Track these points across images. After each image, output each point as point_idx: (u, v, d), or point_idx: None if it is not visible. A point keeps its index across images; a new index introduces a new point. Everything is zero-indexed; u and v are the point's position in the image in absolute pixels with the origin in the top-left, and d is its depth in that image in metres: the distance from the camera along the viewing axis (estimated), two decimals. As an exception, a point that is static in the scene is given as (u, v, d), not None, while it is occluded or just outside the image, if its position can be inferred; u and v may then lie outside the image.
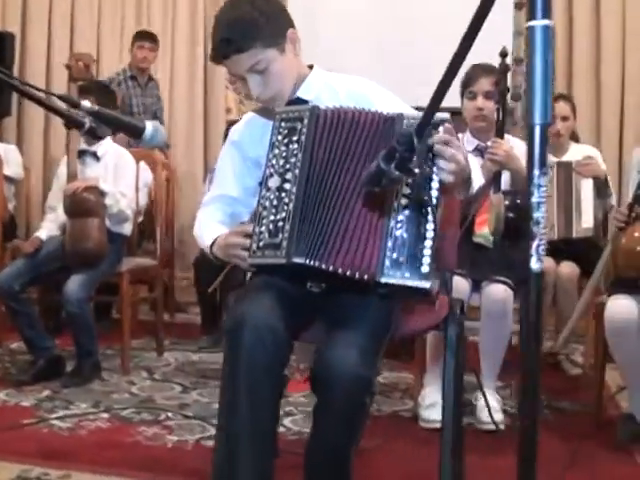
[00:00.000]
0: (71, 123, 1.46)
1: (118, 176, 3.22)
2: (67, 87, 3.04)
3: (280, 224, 1.63)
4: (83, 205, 2.97)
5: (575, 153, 3.57)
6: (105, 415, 2.68)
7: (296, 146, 1.67)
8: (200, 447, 2.41)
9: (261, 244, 1.64)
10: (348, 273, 1.56)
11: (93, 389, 3.02)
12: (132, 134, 1.52)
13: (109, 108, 3.22)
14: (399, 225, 1.55)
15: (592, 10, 5.06)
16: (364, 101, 1.81)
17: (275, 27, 1.76)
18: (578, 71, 5.04)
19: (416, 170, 1.23)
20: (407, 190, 1.55)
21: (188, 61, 5.71)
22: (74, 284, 2.95)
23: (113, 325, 3.94)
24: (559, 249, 3.35)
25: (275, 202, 1.65)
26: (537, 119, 0.84)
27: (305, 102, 1.85)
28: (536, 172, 0.85)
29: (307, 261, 1.59)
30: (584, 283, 3.47)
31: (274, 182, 1.67)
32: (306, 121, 1.68)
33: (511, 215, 2.59)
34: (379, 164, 1.26)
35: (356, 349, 1.51)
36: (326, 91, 1.86)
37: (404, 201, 1.55)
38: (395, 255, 1.53)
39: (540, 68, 0.86)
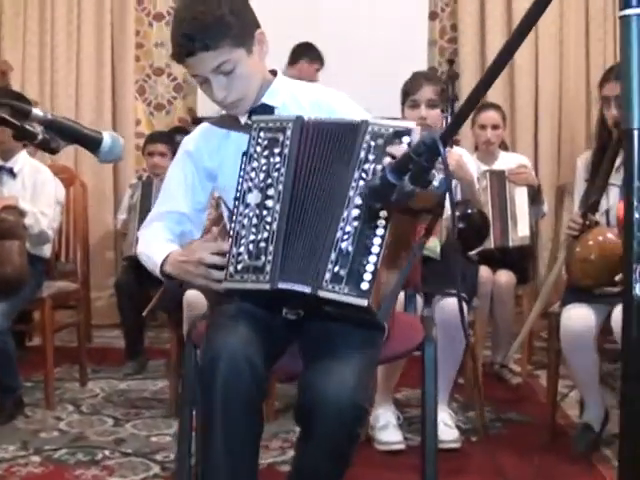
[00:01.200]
0: (21, 135, 1.26)
1: (36, 194, 2.96)
2: (-20, 97, 2.79)
3: (262, 245, 1.48)
4: (1, 226, 2.71)
5: (505, 161, 3.58)
6: (36, 458, 2.44)
7: (278, 159, 1.53)
8: (147, 487, 2.22)
9: (239, 267, 1.49)
10: (289, 287, 1.44)
11: (18, 427, 2.76)
12: (89, 146, 1.34)
13: (26, 118, 2.99)
14: (345, 237, 1.43)
15: (532, 32, 5.11)
16: (327, 109, 1.71)
17: (244, 26, 1.63)
18: (519, 79, 5.09)
19: (435, 183, 1.11)
20: (360, 200, 1.44)
21: (96, 72, 5.45)
22: (-8, 315, 2.68)
23: (28, 355, 3.65)
24: (495, 258, 3.34)
25: (255, 220, 1.51)
26: (636, 122, 0.74)
27: (271, 109, 1.73)
28: (637, 184, 0.74)
29: (293, 286, 1.45)
30: (520, 291, 3.49)
31: (254, 198, 1.52)
32: (289, 132, 1.54)
33: (462, 225, 2.53)
34: (386, 177, 1.14)
35: (351, 378, 1.39)
36: (291, 100, 1.74)
37: (355, 212, 1.44)
38: (337, 268, 1.41)
39: (637, 64, 0.75)
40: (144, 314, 3.06)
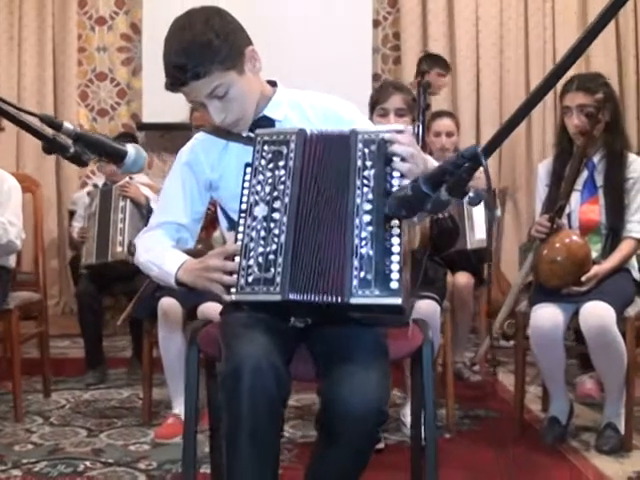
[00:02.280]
0: (54, 147, 1.27)
1: (2, 203, 2.90)
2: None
3: (271, 257, 1.51)
4: (-31, 237, 2.65)
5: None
6: (17, 472, 2.39)
7: (283, 172, 1.56)
8: (138, 496, 2.21)
9: (250, 279, 1.51)
10: (317, 299, 1.48)
11: (-10, 442, 2.70)
12: (114, 159, 1.35)
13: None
14: (364, 242, 1.48)
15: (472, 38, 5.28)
16: (334, 118, 1.75)
17: (232, 47, 1.63)
18: (461, 88, 5.26)
19: (470, 194, 1.18)
20: (368, 206, 1.50)
21: (37, 76, 5.34)
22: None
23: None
24: (454, 260, 3.44)
25: (263, 233, 1.53)
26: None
27: (272, 121, 1.76)
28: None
29: (304, 297, 1.49)
30: (477, 292, 3.61)
31: (261, 211, 1.55)
32: (293, 145, 1.57)
33: (435, 231, 2.62)
34: (419, 188, 1.20)
35: (374, 385, 1.44)
36: (293, 110, 1.78)
37: (367, 217, 1.50)
38: (363, 274, 1.46)
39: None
40: (118, 323, 3.04)
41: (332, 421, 1.45)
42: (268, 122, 1.75)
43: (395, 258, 1.43)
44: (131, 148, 1.35)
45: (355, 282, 1.44)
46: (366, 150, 1.51)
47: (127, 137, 4.29)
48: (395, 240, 1.44)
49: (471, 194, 1.22)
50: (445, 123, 3.70)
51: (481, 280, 3.61)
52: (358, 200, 1.51)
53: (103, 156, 1.34)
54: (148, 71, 5.38)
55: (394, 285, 1.42)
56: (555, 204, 2.67)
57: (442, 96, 5.22)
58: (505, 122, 1.12)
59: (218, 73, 1.61)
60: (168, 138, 5.41)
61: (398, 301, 1.42)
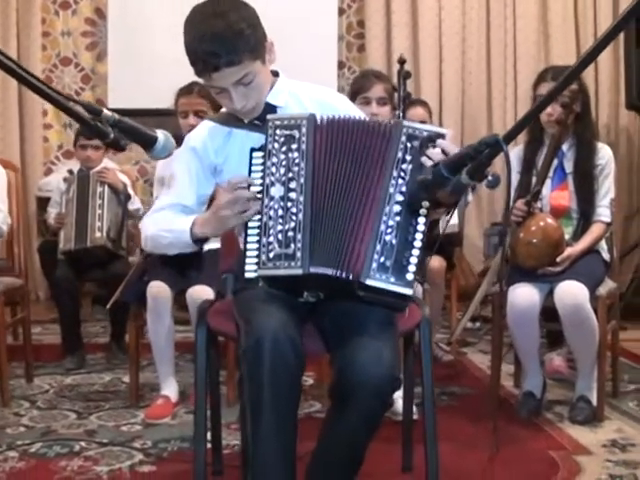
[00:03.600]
0: (95, 133, 1.33)
1: (-14, 189, 2.91)
2: None
3: (290, 234, 1.60)
4: (-42, 223, 2.66)
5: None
6: (13, 454, 2.42)
7: (297, 154, 1.65)
8: (138, 473, 2.27)
9: (271, 255, 1.60)
10: (331, 273, 1.57)
11: (-21, 426, 2.73)
12: (145, 144, 1.42)
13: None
14: (389, 230, 1.58)
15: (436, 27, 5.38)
16: (329, 109, 1.83)
17: (259, 38, 1.74)
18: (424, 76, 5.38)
19: (490, 177, 1.28)
20: (400, 197, 1.59)
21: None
22: (-48, 312, 2.63)
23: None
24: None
25: (281, 212, 1.62)
26: None
27: (274, 107, 1.84)
28: None
29: (324, 270, 1.58)
30: (448, 275, 3.74)
31: (277, 191, 1.64)
32: (304, 129, 1.66)
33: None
34: (440, 172, 1.29)
35: (386, 352, 1.55)
36: (293, 99, 1.87)
37: (397, 207, 1.59)
38: (382, 259, 1.56)
39: None
40: (108, 306, 3.07)
41: (348, 388, 1.54)
42: (270, 108, 1.84)
43: (415, 252, 1.54)
44: (161, 134, 1.42)
45: (374, 265, 1.54)
46: (408, 144, 1.59)
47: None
48: (418, 235, 1.54)
49: (490, 177, 1.32)
50: (418, 112, 3.79)
51: (452, 264, 3.74)
52: (391, 189, 1.60)
53: (135, 141, 1.40)
54: (113, 56, 5.39)
55: (409, 277, 1.53)
56: (527, 190, 2.80)
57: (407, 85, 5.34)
58: (524, 115, 1.23)
59: (248, 62, 1.70)
60: (134, 124, 5.40)
61: (409, 292, 1.54)
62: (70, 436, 2.60)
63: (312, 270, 1.58)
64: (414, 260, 1.54)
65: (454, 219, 3.58)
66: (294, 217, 1.61)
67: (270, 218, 1.62)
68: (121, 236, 3.65)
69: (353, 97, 2.96)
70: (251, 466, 1.59)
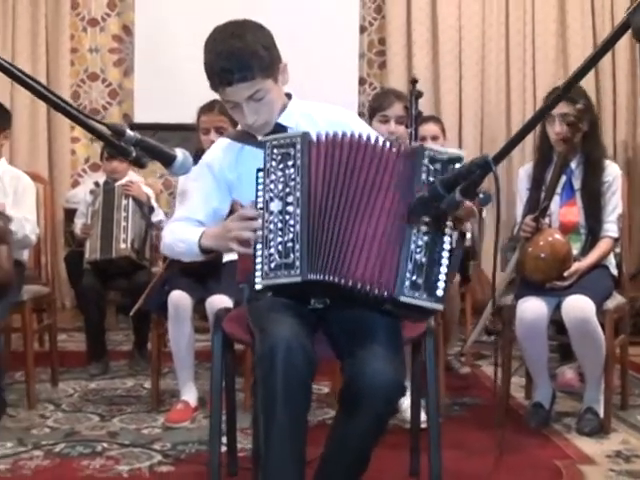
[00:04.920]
0: (119, 152, 1.45)
1: (17, 200, 3.05)
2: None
3: (289, 245, 1.70)
4: (-9, 232, 2.80)
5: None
6: (38, 453, 2.54)
7: (292, 170, 1.75)
8: (157, 474, 2.38)
9: (272, 265, 1.70)
10: (368, 288, 1.67)
11: (8, 426, 2.84)
12: (165, 162, 1.53)
13: (4, 128, 3.08)
14: (419, 250, 1.68)
15: (456, 45, 5.48)
16: (343, 128, 1.92)
17: (273, 59, 1.86)
18: (444, 93, 5.49)
19: (481, 195, 1.37)
20: (427, 218, 1.68)
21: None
22: (-16, 317, 2.77)
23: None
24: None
25: (280, 225, 1.72)
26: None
27: (284, 128, 1.95)
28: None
29: (323, 277, 1.68)
30: (462, 289, 3.82)
31: (276, 206, 1.74)
32: (299, 146, 1.76)
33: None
34: (437, 190, 1.39)
35: (393, 360, 1.65)
36: (304, 120, 1.97)
37: (424, 228, 1.69)
38: (414, 277, 1.66)
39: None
40: (131, 314, 3.19)
41: (357, 393, 1.64)
42: (281, 129, 1.95)
43: (443, 269, 1.64)
44: (180, 153, 1.53)
45: (407, 283, 1.64)
46: (431, 167, 1.69)
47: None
48: (445, 254, 1.65)
49: (481, 195, 1.41)
50: (430, 128, 3.87)
51: (467, 278, 3.81)
52: None
53: (155, 159, 1.51)
54: (140, 72, 5.53)
55: (440, 293, 1.64)
56: (536, 206, 2.88)
57: (426, 101, 5.44)
58: (512, 136, 1.32)
59: (260, 79, 1.83)
60: (158, 137, 5.47)
61: (440, 307, 1.64)
62: (93, 437, 2.71)
63: (311, 277, 1.67)
64: (442, 277, 1.64)
65: (467, 234, 3.66)
66: (292, 229, 1.71)
67: (270, 231, 1.72)
68: (145, 247, 3.78)
69: (372, 114, 3.06)
70: (262, 466, 1.68)
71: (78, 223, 3.98)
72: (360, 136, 1.78)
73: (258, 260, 1.73)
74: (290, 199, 1.74)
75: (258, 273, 1.73)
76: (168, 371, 3.42)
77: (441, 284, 1.64)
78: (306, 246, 1.70)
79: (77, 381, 3.54)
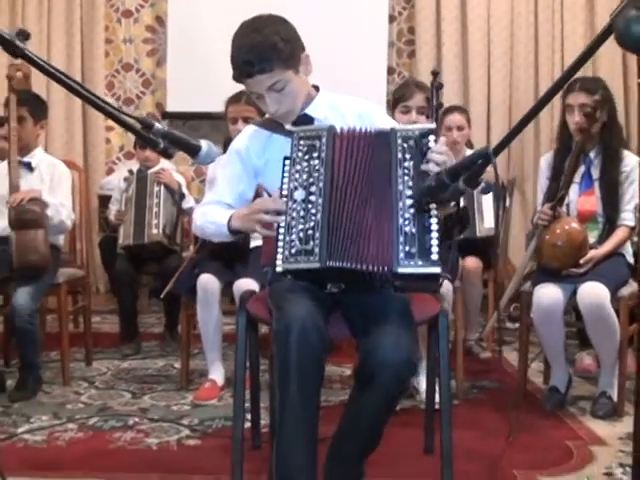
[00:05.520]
0: (147, 143, 1.56)
1: (54, 186, 3.20)
2: (7, 97, 3.01)
3: (310, 232, 1.81)
4: (29, 217, 2.95)
5: (471, 159, 3.96)
6: (72, 425, 2.69)
7: (317, 162, 1.85)
8: (185, 446, 2.51)
9: (293, 251, 1.81)
10: (370, 268, 1.77)
11: (43, 402, 3.01)
12: (190, 153, 1.63)
13: (41, 118, 3.22)
14: (407, 222, 1.78)
15: (484, 34, 5.52)
16: (367, 119, 2.02)
17: (292, 50, 1.95)
18: (473, 82, 5.53)
19: (482, 184, 1.46)
20: (409, 192, 1.78)
21: (65, 67, 5.59)
22: (23, 298, 2.91)
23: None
24: (462, 246, 3.71)
25: (302, 213, 1.83)
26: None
27: (311, 119, 2.04)
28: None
29: (340, 263, 1.78)
30: (485, 276, 3.88)
31: (299, 195, 1.85)
32: (324, 139, 1.87)
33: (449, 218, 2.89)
34: (442, 179, 1.48)
35: (405, 339, 1.74)
36: (332, 112, 2.07)
37: (409, 201, 1.78)
38: (407, 248, 1.76)
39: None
40: (162, 296, 3.32)
41: (371, 369, 1.74)
42: (307, 119, 2.05)
43: (434, 235, 1.74)
44: (204, 144, 1.63)
45: (401, 255, 1.74)
46: (405, 145, 1.80)
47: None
48: (433, 220, 1.75)
49: (483, 185, 1.50)
50: (455, 118, 3.95)
51: (489, 265, 3.88)
52: (400, 187, 1.81)
53: (182, 149, 1.61)
54: (173, 62, 5.65)
55: (434, 257, 1.73)
56: (555, 195, 2.94)
57: (455, 90, 5.50)
58: (512, 128, 1.40)
59: (279, 70, 1.92)
60: (190, 126, 5.65)
61: (438, 269, 1.73)
62: (124, 412, 2.86)
63: (330, 264, 1.78)
64: (434, 242, 1.74)
65: (490, 224, 3.73)
66: (313, 217, 1.81)
67: (293, 219, 1.83)
68: (176, 233, 3.92)
69: (394, 105, 3.15)
70: (276, 438, 1.79)
71: (112, 209, 4.12)
72: (376, 130, 1.88)
73: (280, 244, 1.84)
74: (313, 189, 1.85)
75: (280, 256, 1.84)
76: (197, 352, 3.56)
77: (434, 249, 1.73)
78: (326, 234, 1.80)
79: (110, 360, 3.70)
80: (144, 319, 4.59)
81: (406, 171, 1.79)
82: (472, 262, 3.73)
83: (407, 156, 1.80)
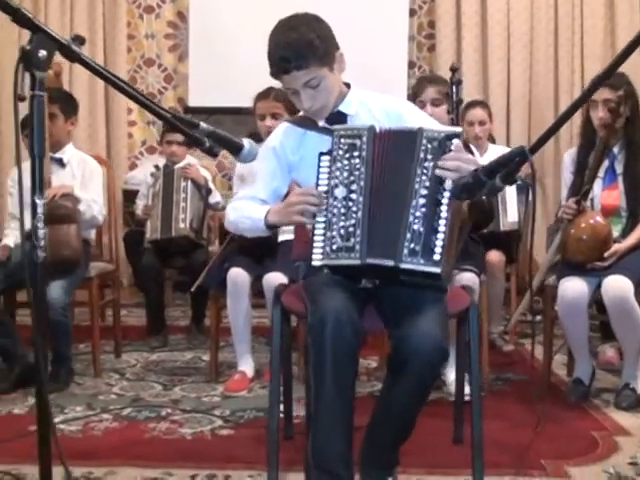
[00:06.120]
0: (193, 141, 1.61)
1: (85, 182, 3.27)
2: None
3: (351, 229, 1.87)
4: (61, 212, 3.02)
5: (494, 153, 3.98)
6: (106, 416, 2.76)
7: (358, 160, 1.91)
8: (218, 437, 2.57)
9: (334, 247, 1.87)
10: (376, 262, 1.83)
11: (76, 393, 3.08)
12: (233, 151, 1.69)
13: (72, 115, 3.28)
14: (416, 220, 1.84)
15: (504, 28, 5.54)
16: (399, 119, 2.07)
17: (327, 48, 2.00)
18: (492, 76, 5.55)
19: (518, 182, 1.51)
20: (424, 191, 1.83)
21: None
22: (57, 291, 2.98)
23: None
24: (486, 240, 3.75)
25: (343, 210, 1.89)
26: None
27: (344, 116, 2.10)
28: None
29: (380, 261, 1.84)
30: (508, 269, 3.92)
31: (340, 192, 1.90)
32: (365, 138, 1.92)
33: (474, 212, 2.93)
34: (479, 177, 1.53)
35: (436, 329, 1.80)
36: (362, 108, 2.11)
37: (422, 200, 1.84)
38: (412, 245, 1.82)
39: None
40: (192, 289, 3.38)
41: (404, 357, 1.79)
42: (341, 116, 2.10)
43: (440, 236, 1.79)
44: (246, 143, 1.69)
45: (405, 251, 1.81)
46: (429, 145, 1.85)
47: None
48: (442, 222, 1.80)
49: (519, 182, 1.54)
50: (477, 112, 3.99)
51: (512, 259, 3.92)
52: (417, 185, 1.86)
53: (225, 148, 1.67)
54: (194, 57, 5.71)
55: (437, 257, 1.79)
56: (579, 189, 2.98)
57: (475, 84, 5.52)
58: (550, 127, 1.44)
59: (315, 67, 1.98)
60: (212, 120, 5.69)
61: (438, 270, 1.78)
62: (157, 403, 2.93)
63: (369, 261, 1.84)
64: (440, 243, 1.79)
65: (513, 217, 3.77)
66: (354, 215, 1.88)
67: (334, 215, 1.89)
68: (202, 227, 3.98)
69: (413, 102, 3.18)
70: (313, 430, 1.84)
71: (140, 204, 4.19)
72: (409, 130, 1.92)
73: (319, 239, 1.90)
74: (354, 187, 1.91)
75: (318, 251, 1.89)
76: (225, 345, 3.62)
77: (438, 249, 1.79)
78: (366, 232, 1.87)
79: (139, 353, 3.77)
80: (169, 312, 4.66)
81: (425, 171, 1.84)
82: (495, 255, 3.77)
83: (429, 156, 1.85)
